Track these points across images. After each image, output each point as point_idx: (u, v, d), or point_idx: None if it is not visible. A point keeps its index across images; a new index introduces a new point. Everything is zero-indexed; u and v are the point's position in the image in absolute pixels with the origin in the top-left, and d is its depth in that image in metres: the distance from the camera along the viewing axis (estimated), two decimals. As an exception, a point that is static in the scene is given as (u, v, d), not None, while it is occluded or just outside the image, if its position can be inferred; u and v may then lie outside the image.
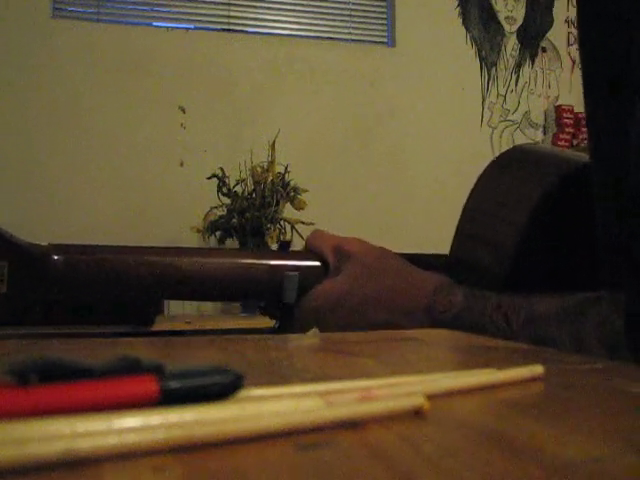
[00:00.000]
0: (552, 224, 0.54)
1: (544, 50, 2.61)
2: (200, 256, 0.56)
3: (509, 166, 0.57)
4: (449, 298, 0.50)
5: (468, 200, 0.56)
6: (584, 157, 0.57)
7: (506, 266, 0.52)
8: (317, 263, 0.58)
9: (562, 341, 0.42)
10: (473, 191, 0.56)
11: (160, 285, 0.54)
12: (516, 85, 2.57)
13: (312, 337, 0.43)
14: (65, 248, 0.52)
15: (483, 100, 2.52)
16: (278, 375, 0.27)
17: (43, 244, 0.51)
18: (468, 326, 0.47)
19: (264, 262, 0.57)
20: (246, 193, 1.93)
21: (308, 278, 0.57)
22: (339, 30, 2.41)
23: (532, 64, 2.60)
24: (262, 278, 0.57)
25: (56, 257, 0.50)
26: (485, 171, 0.57)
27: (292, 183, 1.95)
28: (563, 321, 0.42)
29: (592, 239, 0.48)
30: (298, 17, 2.38)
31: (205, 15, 2.29)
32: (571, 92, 2.60)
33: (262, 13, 2.34)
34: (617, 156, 0.43)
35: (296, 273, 0.57)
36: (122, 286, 0.53)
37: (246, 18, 2.33)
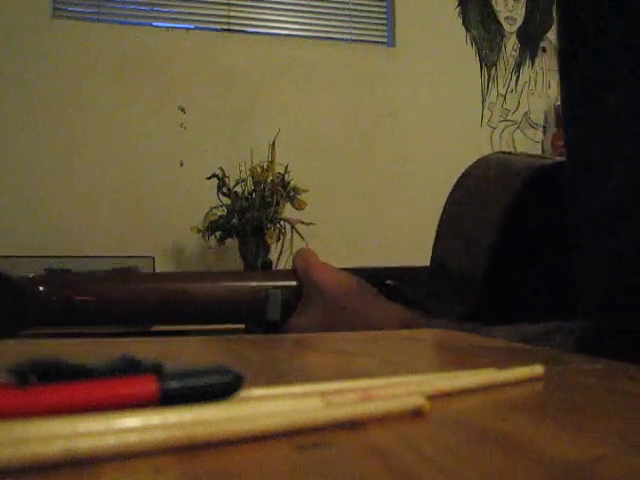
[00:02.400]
0: (520, 223, 0.55)
1: (544, 50, 2.61)
2: (183, 281, 0.58)
3: (476, 174, 0.60)
4: None
5: (443, 211, 0.59)
6: (548, 160, 0.60)
7: (482, 266, 0.53)
8: (296, 283, 0.60)
9: None
10: (448, 200, 0.59)
11: (144, 312, 0.56)
12: (516, 85, 2.57)
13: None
14: (47, 278, 0.55)
15: (483, 100, 2.52)
16: (278, 375, 0.27)
17: (30, 275, 0.54)
18: None
19: (246, 283, 0.59)
20: (246, 193, 1.93)
21: (291, 297, 0.59)
22: (339, 30, 2.41)
23: (532, 64, 2.60)
24: (245, 299, 0.59)
25: (40, 288, 0.53)
26: (457, 181, 0.60)
27: (292, 183, 1.95)
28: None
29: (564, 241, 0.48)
30: (298, 17, 2.38)
31: (205, 15, 2.29)
32: (571, 92, 2.59)
33: (262, 13, 2.34)
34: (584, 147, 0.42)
35: (279, 290, 0.58)
36: (104, 314, 0.55)
37: (246, 18, 2.33)
